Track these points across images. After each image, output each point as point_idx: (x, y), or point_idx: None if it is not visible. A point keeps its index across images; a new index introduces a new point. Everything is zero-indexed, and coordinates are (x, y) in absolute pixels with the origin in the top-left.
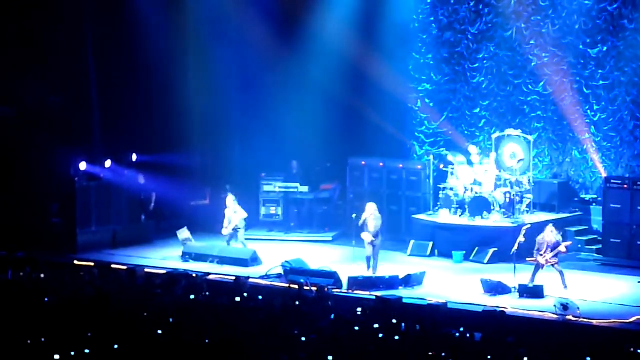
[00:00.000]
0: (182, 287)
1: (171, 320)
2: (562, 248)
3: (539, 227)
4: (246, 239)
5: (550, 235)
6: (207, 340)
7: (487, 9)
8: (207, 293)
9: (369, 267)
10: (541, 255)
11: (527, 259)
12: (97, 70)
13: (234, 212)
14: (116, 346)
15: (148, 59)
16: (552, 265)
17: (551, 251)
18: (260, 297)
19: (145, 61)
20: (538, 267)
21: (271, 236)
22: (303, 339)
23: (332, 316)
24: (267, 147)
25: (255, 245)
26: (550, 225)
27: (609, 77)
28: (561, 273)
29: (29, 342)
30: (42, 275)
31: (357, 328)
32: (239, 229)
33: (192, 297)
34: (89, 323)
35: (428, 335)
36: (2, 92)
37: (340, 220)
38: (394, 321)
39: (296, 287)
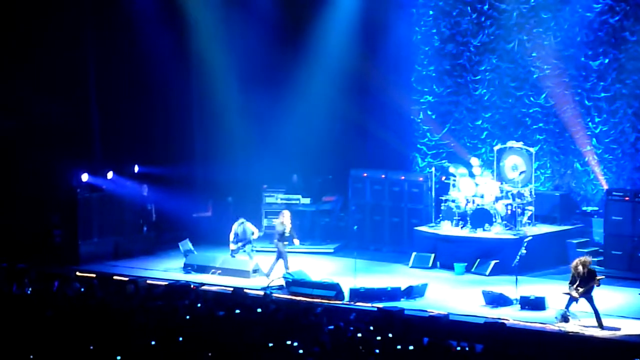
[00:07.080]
0: (183, 298)
1: (172, 332)
2: (594, 283)
3: (541, 239)
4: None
5: (580, 268)
6: (209, 354)
7: (489, 21)
8: (205, 305)
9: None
10: (573, 288)
11: (563, 293)
12: (98, 81)
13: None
14: (119, 358)
15: (150, 69)
16: (587, 300)
17: (583, 285)
18: (259, 310)
19: (147, 72)
20: (572, 299)
21: (273, 248)
22: (301, 351)
23: (333, 327)
24: (270, 158)
25: (257, 257)
26: (586, 257)
27: (610, 89)
28: (595, 310)
29: (31, 357)
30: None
31: (358, 340)
32: (250, 243)
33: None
34: (91, 335)
35: (429, 347)
36: (4, 104)
37: (342, 232)
38: (393, 333)
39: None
